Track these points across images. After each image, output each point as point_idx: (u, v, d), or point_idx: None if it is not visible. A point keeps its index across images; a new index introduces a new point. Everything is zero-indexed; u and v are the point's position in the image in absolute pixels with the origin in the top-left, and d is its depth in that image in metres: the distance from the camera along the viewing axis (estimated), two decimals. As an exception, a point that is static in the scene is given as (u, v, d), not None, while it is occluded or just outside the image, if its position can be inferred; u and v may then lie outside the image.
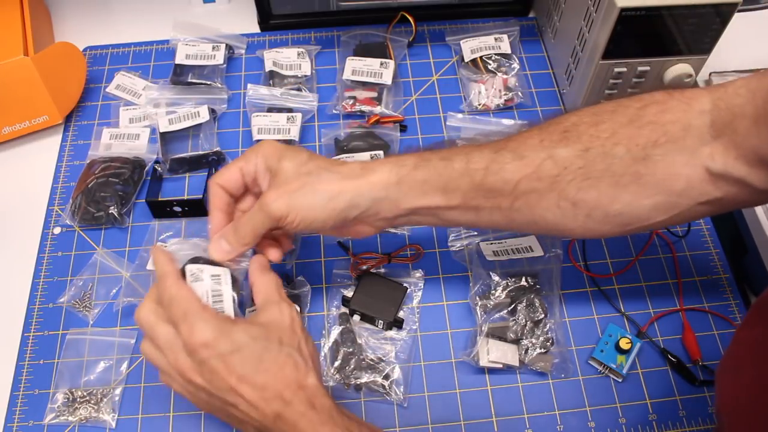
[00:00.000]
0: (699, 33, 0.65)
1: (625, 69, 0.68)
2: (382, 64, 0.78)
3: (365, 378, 0.59)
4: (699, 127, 0.47)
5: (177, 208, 0.69)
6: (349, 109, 0.76)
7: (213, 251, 0.52)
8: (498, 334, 0.61)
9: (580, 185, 0.48)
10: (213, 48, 0.81)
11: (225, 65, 0.80)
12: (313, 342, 0.50)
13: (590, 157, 0.48)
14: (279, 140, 0.72)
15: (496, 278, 0.64)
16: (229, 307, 0.49)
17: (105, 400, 0.59)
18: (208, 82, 0.79)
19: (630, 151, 0.47)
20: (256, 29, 0.86)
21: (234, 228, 0.51)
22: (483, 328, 0.61)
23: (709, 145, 0.46)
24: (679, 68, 0.68)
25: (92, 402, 0.59)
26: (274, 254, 0.55)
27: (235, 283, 0.51)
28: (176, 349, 0.46)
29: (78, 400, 0.59)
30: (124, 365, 0.61)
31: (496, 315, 0.63)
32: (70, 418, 0.58)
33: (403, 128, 0.75)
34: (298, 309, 0.61)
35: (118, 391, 0.60)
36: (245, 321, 0.48)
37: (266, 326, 0.47)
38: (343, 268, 0.66)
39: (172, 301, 0.46)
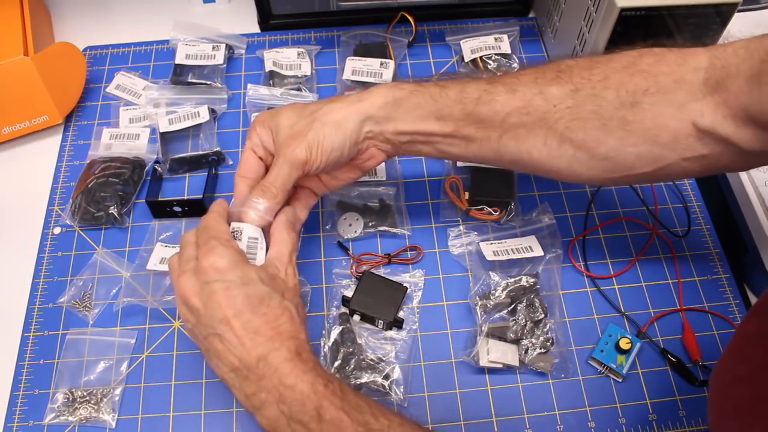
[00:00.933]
0: (699, 33, 0.65)
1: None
2: (382, 64, 0.78)
3: (365, 378, 0.59)
4: (692, 82, 0.47)
5: (177, 208, 0.69)
6: (349, 109, 0.76)
7: (249, 215, 0.52)
8: (498, 334, 0.61)
9: (568, 124, 0.49)
10: (213, 48, 0.81)
11: (225, 65, 0.80)
12: (305, 310, 0.53)
13: (579, 98, 0.49)
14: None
15: (496, 278, 0.64)
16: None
17: (105, 400, 0.59)
18: (208, 82, 0.79)
19: (619, 96, 0.48)
20: (256, 29, 0.86)
21: (262, 188, 0.52)
22: (483, 328, 0.61)
23: (700, 101, 0.47)
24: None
25: (92, 402, 0.59)
26: (302, 211, 0.57)
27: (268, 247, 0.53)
28: (187, 267, 0.48)
29: (78, 400, 0.59)
30: (124, 365, 0.61)
31: (496, 315, 0.63)
32: (70, 418, 0.58)
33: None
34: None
35: (118, 391, 0.60)
36: (259, 265, 0.49)
37: (275, 277, 0.49)
38: (343, 268, 0.66)
39: (205, 228, 0.49)
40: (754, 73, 0.44)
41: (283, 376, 0.45)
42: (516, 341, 0.61)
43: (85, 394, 0.59)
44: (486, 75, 0.59)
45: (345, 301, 0.63)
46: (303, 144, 0.51)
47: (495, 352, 0.60)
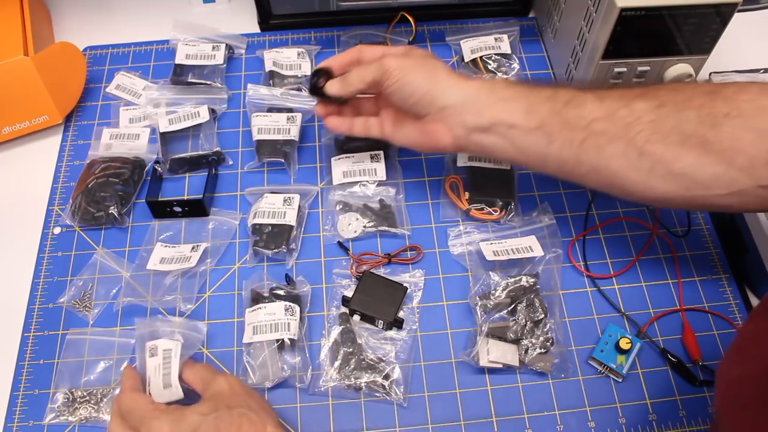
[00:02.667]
0: (699, 33, 0.65)
1: (625, 69, 0.68)
2: (382, 64, 0.78)
3: (365, 378, 0.59)
4: None
5: (177, 208, 0.69)
6: (349, 109, 0.76)
7: (329, 87, 0.62)
8: (498, 334, 0.61)
9: (649, 137, 0.51)
10: (213, 48, 0.81)
11: (225, 65, 0.80)
12: (258, 393, 0.55)
13: (663, 113, 0.51)
14: (279, 140, 0.72)
15: (496, 278, 0.64)
16: (175, 377, 0.56)
17: (105, 400, 0.59)
18: (208, 82, 0.79)
19: (700, 116, 0.49)
20: (256, 29, 0.86)
21: (346, 75, 0.61)
22: (483, 328, 0.61)
23: None
24: (679, 68, 0.68)
25: (92, 402, 0.59)
26: (336, 121, 0.65)
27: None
28: None
29: (78, 400, 0.59)
30: (124, 365, 0.61)
31: (496, 315, 0.63)
32: (70, 418, 0.58)
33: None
34: (298, 309, 0.61)
35: (117, 391, 0.60)
36: (194, 405, 0.51)
37: (213, 399, 0.52)
38: (343, 268, 0.66)
39: (130, 411, 0.51)
40: None
41: None
42: (516, 341, 0.61)
43: (84, 394, 0.59)
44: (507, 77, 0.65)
45: (345, 301, 0.63)
46: (397, 61, 0.58)
47: (495, 352, 0.60)
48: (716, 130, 0.49)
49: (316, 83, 0.63)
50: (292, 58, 0.80)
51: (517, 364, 0.60)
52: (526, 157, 0.57)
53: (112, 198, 0.68)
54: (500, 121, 0.55)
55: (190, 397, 0.55)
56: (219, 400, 0.51)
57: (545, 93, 0.55)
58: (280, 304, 0.61)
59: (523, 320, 0.61)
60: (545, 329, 0.61)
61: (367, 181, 0.70)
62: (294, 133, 0.73)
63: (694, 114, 0.50)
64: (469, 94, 0.57)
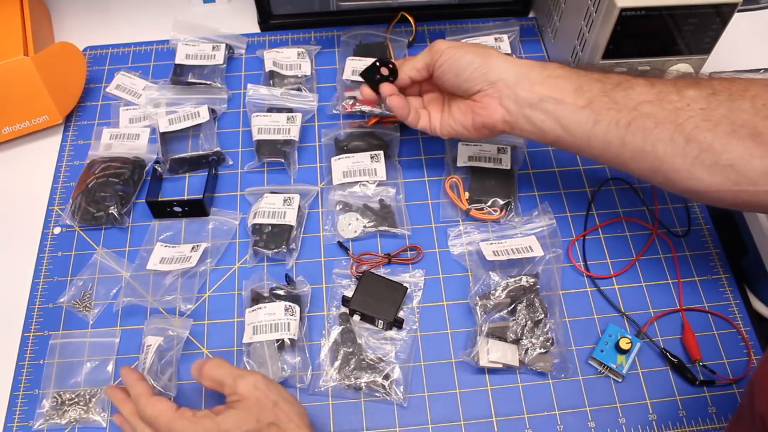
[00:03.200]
0: (699, 33, 0.65)
1: (625, 69, 0.68)
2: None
3: (365, 378, 0.59)
4: None
5: (177, 208, 0.69)
6: (349, 109, 0.75)
7: (383, 88, 0.64)
8: (498, 334, 0.61)
9: (698, 124, 0.50)
10: (213, 48, 0.81)
11: (225, 65, 0.80)
12: (287, 391, 0.53)
13: (715, 101, 0.50)
14: (279, 140, 0.72)
15: (496, 278, 0.64)
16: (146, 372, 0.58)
17: (94, 400, 0.59)
18: (208, 82, 0.79)
19: (755, 106, 0.48)
20: (256, 29, 0.86)
21: (398, 63, 0.64)
22: (483, 328, 0.61)
23: None
24: (679, 68, 0.68)
25: (81, 404, 0.59)
26: (397, 100, 0.64)
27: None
28: None
29: (66, 402, 0.59)
30: (110, 365, 0.61)
31: (496, 315, 0.63)
32: (60, 422, 0.58)
33: (404, 128, 0.75)
34: (298, 309, 0.61)
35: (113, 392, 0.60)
36: (222, 414, 0.50)
37: (240, 406, 0.50)
38: (343, 268, 0.66)
39: (153, 419, 0.50)
40: None
41: None
42: (516, 341, 0.61)
43: (73, 396, 0.59)
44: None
45: (345, 301, 0.63)
46: (447, 43, 0.60)
47: (495, 352, 0.60)
48: None
49: (377, 70, 0.64)
50: (292, 58, 0.80)
51: (517, 364, 0.60)
52: (572, 136, 0.56)
53: (112, 198, 0.68)
54: (549, 97, 0.56)
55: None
56: (248, 411, 0.50)
57: (596, 75, 0.56)
58: (280, 304, 0.61)
59: (523, 320, 0.61)
60: (545, 329, 0.61)
61: (367, 181, 0.70)
62: (294, 133, 0.73)
63: (749, 104, 0.48)
64: (522, 70, 0.57)
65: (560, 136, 0.57)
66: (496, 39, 0.81)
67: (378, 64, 0.63)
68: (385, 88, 0.63)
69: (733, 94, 0.49)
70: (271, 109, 0.75)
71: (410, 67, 0.63)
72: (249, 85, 0.77)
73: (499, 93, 0.58)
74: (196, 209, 0.69)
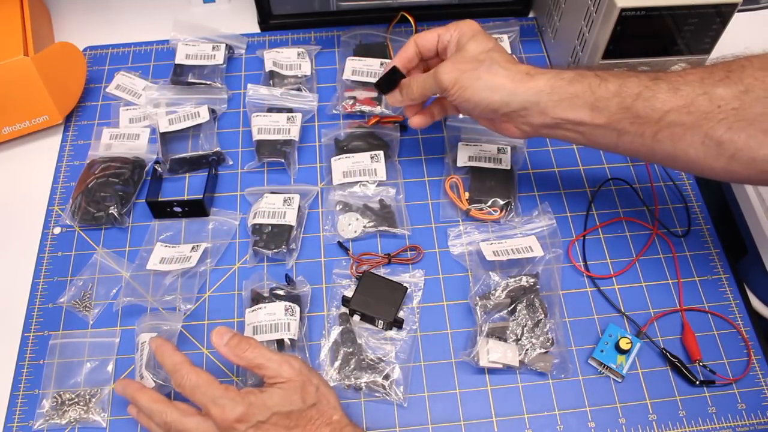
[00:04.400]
0: (699, 33, 0.65)
1: (625, 69, 0.68)
2: (382, 64, 0.78)
3: (365, 378, 0.59)
4: None
5: (177, 209, 0.69)
6: (349, 109, 0.76)
7: (389, 99, 0.65)
8: (498, 334, 0.61)
9: (731, 125, 0.48)
10: (213, 48, 0.81)
11: (225, 65, 0.80)
12: (320, 376, 0.54)
13: (748, 100, 0.48)
14: (279, 140, 0.72)
15: (496, 278, 0.64)
16: (144, 368, 0.58)
17: (94, 400, 0.59)
18: (208, 82, 0.79)
19: None
20: (256, 29, 0.86)
21: (407, 85, 0.62)
22: (483, 328, 0.61)
23: None
24: (679, 68, 0.68)
25: (81, 404, 0.59)
26: (420, 120, 0.65)
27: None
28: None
29: (66, 402, 0.59)
30: (111, 365, 0.61)
31: (496, 315, 0.63)
32: (60, 422, 0.58)
33: (403, 128, 0.75)
34: (298, 309, 0.61)
35: (106, 390, 0.60)
36: (267, 392, 0.51)
37: (285, 387, 0.51)
38: (343, 268, 0.66)
39: (195, 389, 0.50)
40: None
41: None
42: (516, 341, 0.61)
43: (73, 396, 0.59)
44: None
45: (345, 301, 0.63)
46: (454, 76, 0.57)
47: (495, 352, 0.60)
48: None
49: (387, 85, 0.64)
50: (292, 58, 0.80)
51: (517, 364, 0.60)
52: (598, 145, 0.57)
53: (112, 198, 0.68)
54: (566, 120, 0.55)
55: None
56: (294, 391, 0.51)
57: (612, 87, 0.53)
58: (280, 304, 0.61)
59: (523, 320, 0.61)
60: (545, 329, 0.61)
61: (367, 181, 0.70)
62: (294, 133, 0.73)
63: None
64: (531, 97, 0.55)
65: (586, 144, 0.57)
66: (496, 39, 0.80)
67: (387, 77, 0.63)
68: (409, 111, 0.66)
69: None
70: (271, 109, 0.75)
71: (420, 92, 0.62)
72: (249, 85, 0.77)
73: (512, 121, 0.58)
74: (196, 209, 0.69)
